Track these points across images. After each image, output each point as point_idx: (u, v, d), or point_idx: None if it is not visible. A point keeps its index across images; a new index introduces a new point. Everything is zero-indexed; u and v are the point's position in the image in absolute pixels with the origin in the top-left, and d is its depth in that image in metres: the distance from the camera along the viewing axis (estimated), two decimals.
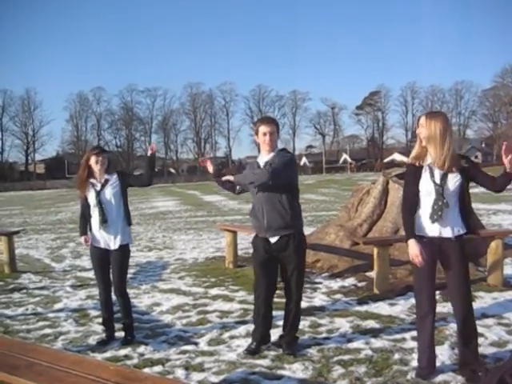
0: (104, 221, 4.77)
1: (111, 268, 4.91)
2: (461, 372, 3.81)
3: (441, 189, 3.65)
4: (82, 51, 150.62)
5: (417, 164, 3.77)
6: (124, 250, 4.87)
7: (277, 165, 4.25)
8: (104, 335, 5.04)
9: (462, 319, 3.75)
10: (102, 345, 4.86)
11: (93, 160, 4.78)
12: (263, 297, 4.56)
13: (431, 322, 3.84)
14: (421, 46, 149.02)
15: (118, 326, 5.16)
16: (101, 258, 4.90)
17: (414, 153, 3.81)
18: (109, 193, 4.80)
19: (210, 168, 4.78)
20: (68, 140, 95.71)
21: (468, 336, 3.76)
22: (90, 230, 4.90)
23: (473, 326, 3.78)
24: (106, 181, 4.82)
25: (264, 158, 4.50)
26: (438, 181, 3.67)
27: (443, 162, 3.63)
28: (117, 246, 4.81)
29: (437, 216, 3.67)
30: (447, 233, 3.71)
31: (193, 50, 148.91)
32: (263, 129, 4.43)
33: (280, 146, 4.59)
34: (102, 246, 4.86)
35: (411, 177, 3.82)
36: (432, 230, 3.73)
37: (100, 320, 5.23)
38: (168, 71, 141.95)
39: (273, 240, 4.42)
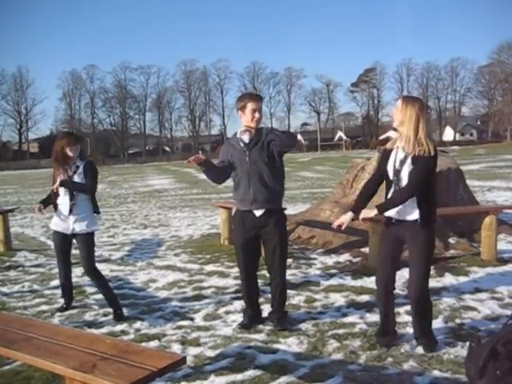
0: (73, 208, 4.90)
1: (78, 250, 5.07)
2: (418, 342, 3.97)
3: (398, 173, 3.70)
4: (74, 28, 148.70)
5: (390, 148, 3.83)
6: (91, 235, 4.98)
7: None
8: (63, 301, 5.33)
9: (414, 298, 3.81)
10: (61, 311, 5.20)
11: (68, 150, 4.86)
12: (246, 275, 4.56)
13: (389, 295, 3.97)
14: (416, 22, 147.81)
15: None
16: (63, 242, 5.08)
17: (393, 139, 3.83)
18: (77, 180, 4.89)
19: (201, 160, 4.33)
20: (62, 119, 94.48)
21: (420, 313, 3.88)
22: (55, 210, 5.07)
23: (425, 305, 3.86)
24: (77, 167, 4.92)
25: (247, 135, 4.33)
26: (397, 165, 3.71)
27: (412, 148, 3.61)
28: (83, 232, 4.90)
29: None
30: (401, 216, 3.76)
31: (186, 27, 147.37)
32: (253, 105, 4.28)
33: (275, 123, 4.56)
34: (63, 230, 4.98)
35: (383, 159, 3.89)
36: (389, 212, 3.79)
37: (95, 296, 5.28)
38: (161, 48, 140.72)
39: (258, 213, 4.36)
